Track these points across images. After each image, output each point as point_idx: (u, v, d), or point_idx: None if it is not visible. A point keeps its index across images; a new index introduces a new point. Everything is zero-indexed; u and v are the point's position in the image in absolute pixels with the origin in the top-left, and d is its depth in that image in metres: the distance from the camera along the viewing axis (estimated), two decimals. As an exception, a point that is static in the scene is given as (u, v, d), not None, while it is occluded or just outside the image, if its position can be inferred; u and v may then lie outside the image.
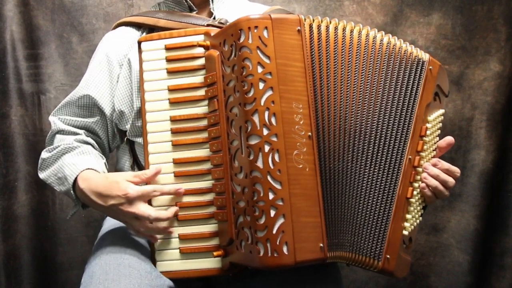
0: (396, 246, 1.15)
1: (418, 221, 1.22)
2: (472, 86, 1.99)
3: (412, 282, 2.09)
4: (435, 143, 1.24)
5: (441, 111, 1.27)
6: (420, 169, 1.19)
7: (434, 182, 1.18)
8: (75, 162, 1.23)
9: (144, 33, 1.37)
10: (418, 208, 1.21)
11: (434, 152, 1.24)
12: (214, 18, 1.36)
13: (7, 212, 1.88)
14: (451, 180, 1.19)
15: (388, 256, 1.13)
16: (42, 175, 1.32)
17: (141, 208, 1.10)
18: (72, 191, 1.21)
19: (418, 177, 1.19)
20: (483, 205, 1.99)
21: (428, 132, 1.20)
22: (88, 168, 1.21)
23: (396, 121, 1.16)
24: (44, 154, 1.32)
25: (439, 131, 1.26)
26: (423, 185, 1.18)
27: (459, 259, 2.03)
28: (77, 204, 1.26)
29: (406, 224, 1.17)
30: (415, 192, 1.18)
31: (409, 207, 1.18)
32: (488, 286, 2.00)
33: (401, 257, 1.17)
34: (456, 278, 2.03)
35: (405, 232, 1.17)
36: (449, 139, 1.25)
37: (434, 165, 1.19)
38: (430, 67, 1.21)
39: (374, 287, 2.11)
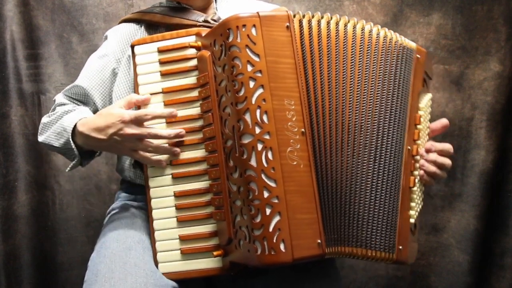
0: (406, 236, 1.15)
1: (420, 206, 1.23)
2: (472, 86, 1.99)
3: (412, 282, 2.09)
4: (428, 127, 1.24)
5: (429, 95, 1.27)
6: (418, 157, 1.19)
7: (432, 168, 1.19)
8: (73, 116, 1.27)
9: (143, 27, 1.39)
10: (420, 194, 1.22)
11: (428, 136, 1.25)
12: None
13: (7, 212, 1.88)
14: (448, 162, 1.20)
15: (400, 247, 1.14)
16: (41, 137, 1.35)
17: (143, 130, 1.12)
18: (71, 140, 1.23)
19: (417, 165, 1.19)
20: (483, 205, 1.99)
21: (421, 120, 1.21)
22: (85, 118, 1.24)
23: (393, 113, 1.16)
24: (45, 119, 1.35)
25: (430, 115, 1.26)
26: (421, 172, 1.19)
27: (459, 259, 2.02)
28: (75, 155, 1.28)
29: (412, 212, 1.18)
30: (416, 180, 1.19)
31: (412, 195, 1.19)
32: (488, 286, 1.99)
33: (410, 245, 1.17)
34: (456, 278, 2.03)
35: (412, 220, 1.18)
36: (444, 122, 1.26)
37: (429, 150, 1.19)
38: (418, 55, 1.21)
39: (374, 287, 2.10)
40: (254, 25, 1.03)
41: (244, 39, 1.03)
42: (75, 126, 1.23)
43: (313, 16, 1.11)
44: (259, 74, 1.02)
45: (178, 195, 1.16)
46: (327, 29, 1.12)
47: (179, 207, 1.16)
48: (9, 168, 1.89)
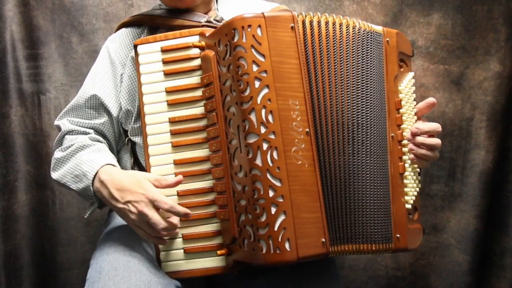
0: (403, 223, 1.16)
1: (417, 188, 1.23)
2: (472, 86, 1.99)
3: (412, 282, 2.09)
4: (413, 107, 1.24)
5: (411, 74, 1.27)
6: (405, 142, 1.19)
7: (421, 151, 1.18)
8: (93, 158, 1.22)
9: (145, 31, 1.38)
10: (414, 177, 1.22)
11: (415, 117, 1.24)
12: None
13: (7, 212, 1.88)
14: (437, 143, 1.19)
15: (398, 235, 1.15)
16: (55, 175, 1.30)
17: (154, 215, 1.08)
18: (91, 188, 1.19)
19: (406, 149, 1.19)
20: (483, 205, 1.99)
21: (403, 103, 1.20)
22: (108, 164, 1.20)
23: (377, 104, 1.16)
24: (58, 154, 1.30)
25: (414, 94, 1.25)
26: (411, 156, 1.19)
27: (459, 259, 2.03)
28: (94, 202, 1.25)
29: (407, 198, 1.19)
30: (406, 165, 1.19)
31: (405, 181, 1.19)
32: (488, 286, 2.00)
33: (410, 230, 1.18)
34: (456, 278, 2.03)
35: (408, 206, 1.18)
36: (430, 101, 1.24)
37: (415, 134, 1.18)
38: (387, 39, 1.21)
39: (374, 287, 2.11)
40: (259, 26, 1.04)
41: (250, 39, 1.04)
42: (97, 172, 1.19)
43: (313, 17, 1.12)
44: (264, 74, 1.03)
45: (181, 194, 1.17)
46: (326, 30, 1.13)
47: (182, 206, 1.16)
48: (9, 168, 1.88)
